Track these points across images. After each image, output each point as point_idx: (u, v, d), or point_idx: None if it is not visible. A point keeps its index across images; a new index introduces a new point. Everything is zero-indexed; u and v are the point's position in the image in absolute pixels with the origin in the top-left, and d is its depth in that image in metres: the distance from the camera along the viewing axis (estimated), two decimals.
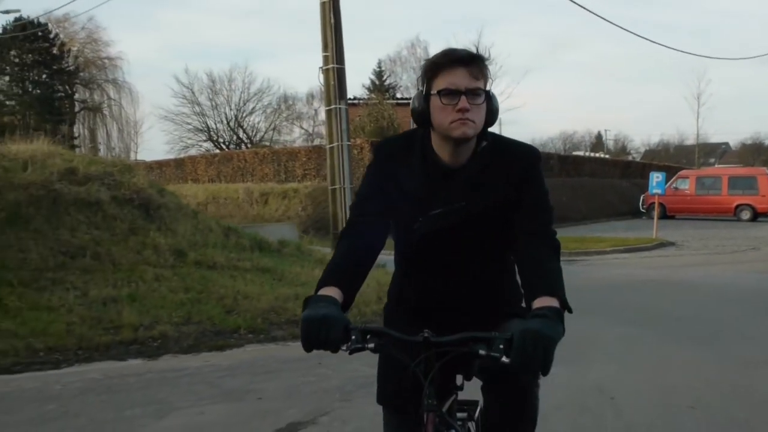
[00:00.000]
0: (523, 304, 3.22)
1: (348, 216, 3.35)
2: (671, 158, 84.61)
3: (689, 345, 9.98)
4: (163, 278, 12.73)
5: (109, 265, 12.90)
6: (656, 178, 28.67)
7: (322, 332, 2.72)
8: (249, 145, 62.53)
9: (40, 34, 58.60)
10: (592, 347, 9.74)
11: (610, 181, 51.64)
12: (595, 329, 10.86)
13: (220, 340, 10.33)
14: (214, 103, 65.19)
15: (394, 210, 3.23)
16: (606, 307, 13.23)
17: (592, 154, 68.65)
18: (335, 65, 17.76)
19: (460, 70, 3.02)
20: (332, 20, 17.41)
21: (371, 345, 2.82)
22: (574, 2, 23.79)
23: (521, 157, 3.22)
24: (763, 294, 14.96)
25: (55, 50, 61.01)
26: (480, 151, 3.18)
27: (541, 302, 2.83)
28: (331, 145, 18.89)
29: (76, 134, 63.10)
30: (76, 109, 64.56)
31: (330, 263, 3.10)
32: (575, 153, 69.37)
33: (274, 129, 67.43)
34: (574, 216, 41.12)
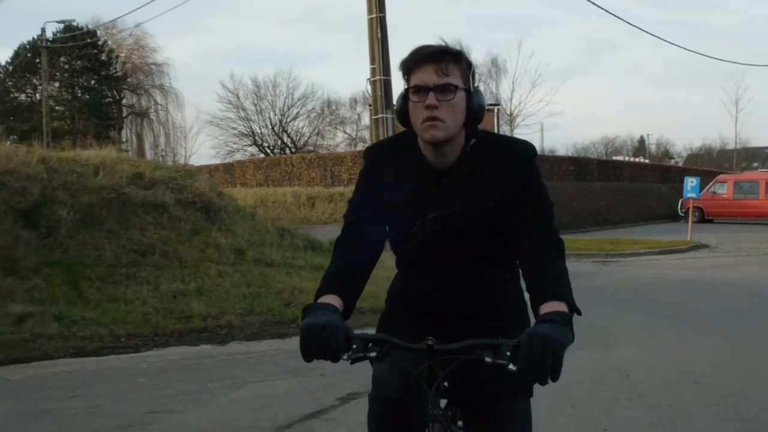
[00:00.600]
0: (529, 311, 3.09)
1: (344, 223, 3.24)
2: (713, 163, 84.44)
3: (705, 334, 10.97)
4: (225, 274, 13.92)
5: (176, 262, 14.10)
6: (691, 182, 29.34)
7: (323, 341, 2.67)
8: (293, 150, 63.42)
9: (88, 40, 59.52)
10: (616, 335, 10.80)
11: (649, 186, 51.96)
12: (621, 320, 11.99)
13: (281, 329, 11.47)
14: (258, 108, 65.87)
15: (388, 215, 3.15)
16: (633, 302, 14.29)
17: (632, 159, 68.88)
18: (382, 77, 18.83)
19: (428, 66, 2.92)
20: (379, 35, 18.43)
21: (373, 354, 2.75)
22: (612, 14, 24.61)
23: (516, 153, 3.09)
24: None
25: (103, 56, 61.96)
26: (469, 150, 3.05)
27: (549, 307, 2.72)
28: None
29: (124, 139, 64.24)
30: (124, 114, 65.97)
31: (328, 271, 3.05)
32: (615, 158, 69.55)
33: (317, 133, 68.31)
34: (613, 219, 41.88)
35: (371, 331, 3.17)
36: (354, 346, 2.73)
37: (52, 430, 6.72)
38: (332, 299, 2.87)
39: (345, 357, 2.72)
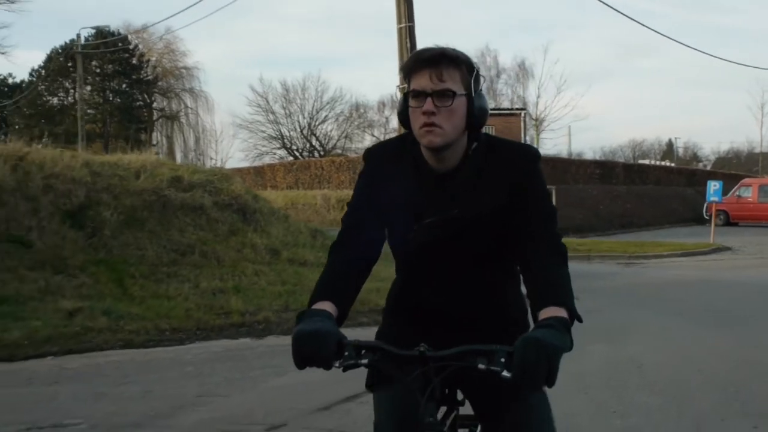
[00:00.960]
0: (529, 315, 3.03)
1: (341, 227, 3.17)
2: (741, 166, 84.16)
3: (717, 331, 11.53)
4: (261, 273, 14.64)
5: (215, 262, 14.86)
6: (713, 186, 29.85)
7: (314, 348, 2.61)
8: (322, 153, 63.99)
9: (120, 45, 60.29)
10: (632, 331, 11.40)
11: (674, 189, 52.13)
12: (638, 318, 12.63)
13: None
14: (287, 112, 66.23)
15: (387, 218, 3.09)
16: (652, 301, 14.88)
17: (658, 163, 68.96)
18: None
19: (425, 71, 2.87)
20: (408, 44, 19.00)
21: (365, 360, 2.69)
22: (638, 22, 25.05)
23: (518, 157, 3.04)
24: None
25: (134, 60, 63.07)
26: (471, 154, 3.01)
27: (548, 312, 2.67)
28: None
29: (155, 142, 65.21)
30: (155, 117, 67.05)
31: (322, 276, 3.00)
32: (641, 161, 69.67)
33: (346, 137, 68.68)
34: (638, 222, 42.30)
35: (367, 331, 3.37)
36: (346, 353, 2.66)
37: (111, 410, 7.37)
38: (326, 305, 2.82)
39: (337, 364, 2.65)
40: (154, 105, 67.19)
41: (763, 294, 15.86)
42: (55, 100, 62.78)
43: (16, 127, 58.64)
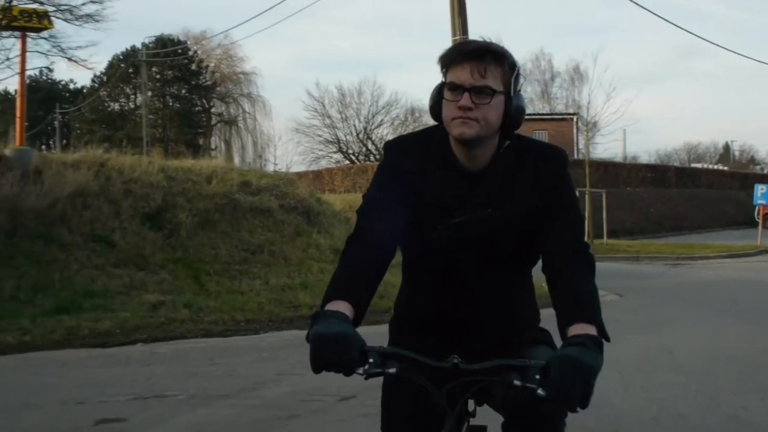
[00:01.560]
0: (541, 324, 3.07)
1: (357, 220, 2.94)
2: None
3: (748, 324, 12.46)
4: (326, 271, 15.75)
5: (282, 261, 16.11)
6: (760, 189, 30.59)
7: (336, 353, 2.41)
8: (377, 157, 64.68)
9: (179, 51, 61.32)
10: (669, 324, 12.39)
11: (727, 192, 52.24)
12: (676, 312, 13.65)
13: (376, 317, 13.14)
14: (343, 116, 66.06)
15: (407, 215, 2.87)
16: (692, 298, 15.92)
17: (710, 166, 68.85)
18: None
19: (466, 65, 2.72)
20: None
21: (392, 369, 2.48)
22: (690, 32, 25.68)
23: (549, 159, 2.93)
24: None
25: (193, 66, 63.43)
26: (503, 152, 2.88)
27: (578, 329, 2.53)
28: None
29: (213, 146, 65.98)
30: (213, 122, 67.38)
31: (336, 275, 2.77)
32: (695, 165, 69.62)
33: None
34: (689, 225, 43.14)
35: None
36: (371, 360, 2.46)
37: (203, 385, 8.50)
38: (342, 306, 2.58)
39: (360, 371, 2.46)
40: (213, 110, 67.60)
41: None
42: (116, 106, 63.83)
43: (78, 131, 59.82)
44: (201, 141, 64.08)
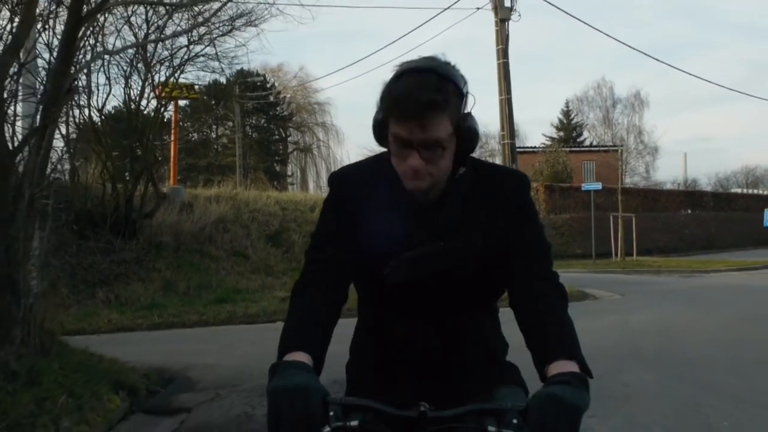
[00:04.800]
0: (507, 358, 2.80)
1: (305, 262, 2.68)
2: None
3: (695, 310, 17.27)
4: None
5: None
6: None
7: (298, 406, 2.08)
8: None
9: (258, 84, 64.65)
10: (639, 310, 17.47)
11: (760, 215, 54.72)
12: (650, 303, 18.86)
13: None
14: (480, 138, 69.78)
15: (356, 252, 2.59)
16: (684, 298, 20.53)
17: (747, 191, 71.46)
18: (509, 141, 25.05)
19: (411, 121, 2.36)
20: (507, 111, 24.28)
21: (355, 423, 2.15)
22: None
23: (509, 184, 2.65)
24: None
25: (271, 98, 67.24)
26: (457, 180, 2.57)
27: (560, 367, 2.26)
28: None
29: (290, 173, 70.45)
30: (289, 149, 71.47)
31: (288, 323, 2.47)
32: (732, 190, 70.96)
33: None
34: (721, 244, 47.12)
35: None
36: (331, 413, 2.13)
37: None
38: (300, 356, 2.27)
39: (326, 430, 2.11)
40: (289, 138, 71.43)
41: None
42: (196, 135, 66.78)
43: (159, 159, 63.07)
44: (278, 168, 68.36)
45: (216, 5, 13.53)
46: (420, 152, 2.40)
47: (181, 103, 65.79)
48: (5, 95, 8.47)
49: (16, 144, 8.49)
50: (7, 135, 8.43)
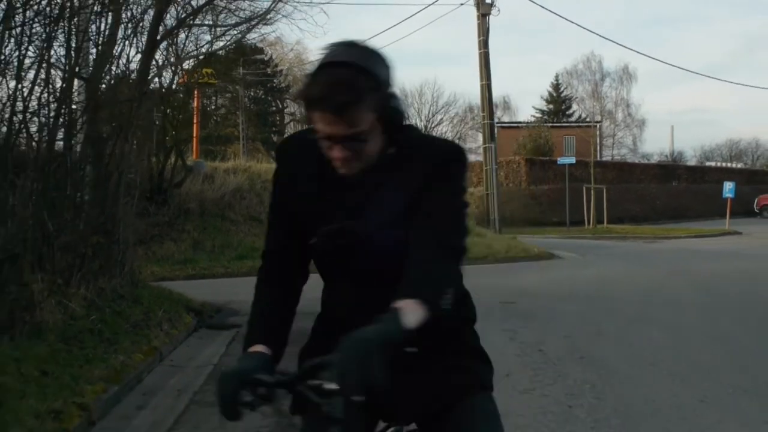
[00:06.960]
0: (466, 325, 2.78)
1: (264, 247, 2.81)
2: None
3: (634, 265, 20.43)
4: None
5: None
6: (728, 186, 38.73)
7: (220, 388, 2.34)
8: None
9: (264, 59, 67.03)
10: (593, 265, 20.71)
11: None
12: (603, 263, 21.99)
13: None
14: (406, 115, 71.36)
15: (299, 224, 2.66)
16: (635, 259, 23.68)
17: (722, 164, 72.90)
18: (488, 121, 28.05)
19: (327, 115, 2.37)
20: (487, 95, 26.98)
21: (248, 398, 2.33)
22: None
23: (433, 155, 2.57)
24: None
25: (269, 70, 68.87)
26: (385, 157, 2.55)
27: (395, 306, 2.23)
28: (486, 168, 30.08)
29: None
30: (286, 120, 72.91)
31: (252, 314, 2.67)
32: (708, 164, 72.56)
33: (460, 138, 70.71)
34: (690, 215, 49.99)
35: None
36: (243, 392, 2.33)
37: None
38: (259, 349, 2.51)
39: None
40: (286, 110, 73.19)
41: (719, 258, 23.30)
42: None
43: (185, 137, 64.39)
44: (275, 139, 68.76)
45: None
46: (343, 145, 2.41)
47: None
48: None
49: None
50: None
